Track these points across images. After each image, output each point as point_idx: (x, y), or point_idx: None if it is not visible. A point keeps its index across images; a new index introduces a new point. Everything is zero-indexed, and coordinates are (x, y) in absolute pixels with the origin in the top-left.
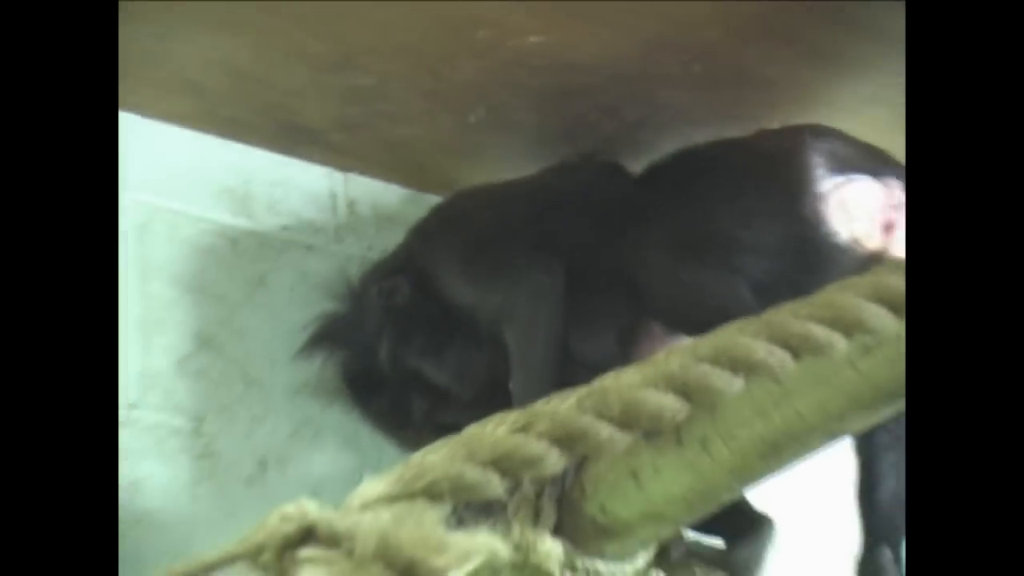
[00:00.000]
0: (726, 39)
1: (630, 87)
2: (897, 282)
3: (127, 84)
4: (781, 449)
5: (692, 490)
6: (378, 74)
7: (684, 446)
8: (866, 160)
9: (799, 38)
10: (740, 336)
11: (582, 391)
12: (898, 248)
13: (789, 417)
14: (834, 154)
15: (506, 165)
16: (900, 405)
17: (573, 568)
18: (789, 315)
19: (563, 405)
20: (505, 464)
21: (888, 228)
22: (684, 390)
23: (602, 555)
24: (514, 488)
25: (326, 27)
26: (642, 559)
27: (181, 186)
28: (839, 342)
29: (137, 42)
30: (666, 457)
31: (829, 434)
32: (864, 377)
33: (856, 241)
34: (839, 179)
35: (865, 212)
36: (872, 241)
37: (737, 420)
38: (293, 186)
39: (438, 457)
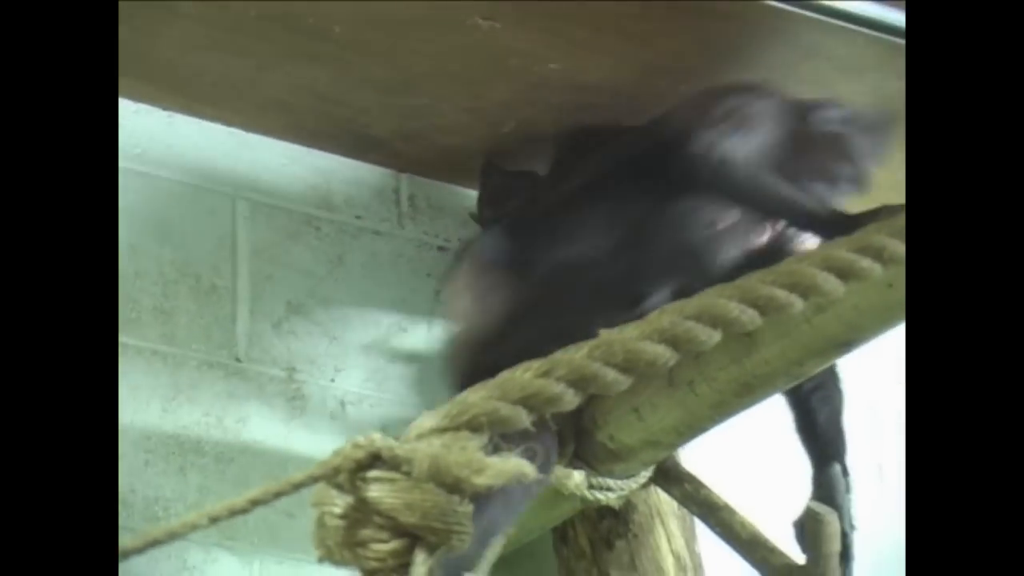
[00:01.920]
0: (708, 64)
1: (629, 103)
2: (843, 253)
3: (233, 105)
4: (752, 389)
5: (682, 422)
6: (430, 95)
7: (675, 387)
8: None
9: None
10: (718, 298)
11: (592, 343)
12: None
13: (758, 363)
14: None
15: (530, 164)
16: (845, 352)
17: (590, 486)
18: (757, 281)
19: (577, 354)
20: (531, 402)
21: None
22: (673, 341)
23: (612, 474)
24: (539, 421)
25: (390, 58)
26: (643, 476)
27: (277, 186)
28: (797, 302)
29: (240, 71)
30: (661, 396)
31: (790, 376)
32: (817, 330)
33: None
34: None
35: None
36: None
37: (717, 366)
38: (364, 184)
39: (477, 396)
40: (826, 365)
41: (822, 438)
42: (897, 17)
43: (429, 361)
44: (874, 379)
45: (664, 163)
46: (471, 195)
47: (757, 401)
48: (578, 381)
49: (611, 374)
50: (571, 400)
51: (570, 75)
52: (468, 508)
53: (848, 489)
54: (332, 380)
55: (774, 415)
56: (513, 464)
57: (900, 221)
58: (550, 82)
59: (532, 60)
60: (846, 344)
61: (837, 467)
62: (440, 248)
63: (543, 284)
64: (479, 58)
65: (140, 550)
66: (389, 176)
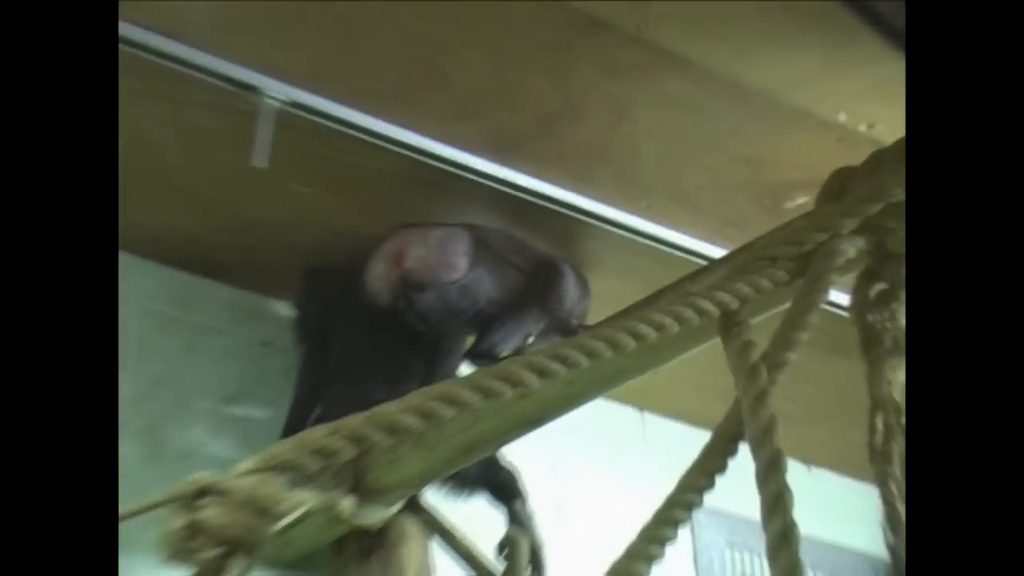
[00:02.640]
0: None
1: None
2: (540, 359)
3: None
4: (474, 449)
5: (424, 471)
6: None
7: (421, 446)
8: None
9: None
10: (453, 387)
11: (366, 414)
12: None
13: (479, 433)
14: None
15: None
16: (537, 426)
17: (357, 513)
18: (481, 375)
19: (355, 420)
20: (321, 453)
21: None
22: (422, 414)
23: (374, 505)
24: (328, 467)
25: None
26: (396, 507)
27: None
28: (508, 390)
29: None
30: (411, 452)
31: (500, 442)
32: (520, 411)
33: None
34: None
35: None
36: None
37: (451, 432)
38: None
39: (283, 448)
40: (525, 433)
41: (507, 485)
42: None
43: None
44: (554, 440)
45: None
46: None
47: (476, 458)
48: (354, 439)
49: (378, 435)
50: (349, 452)
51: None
52: (272, 526)
53: (531, 518)
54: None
55: None
56: (306, 495)
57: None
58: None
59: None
60: (538, 421)
61: (520, 502)
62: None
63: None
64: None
65: None
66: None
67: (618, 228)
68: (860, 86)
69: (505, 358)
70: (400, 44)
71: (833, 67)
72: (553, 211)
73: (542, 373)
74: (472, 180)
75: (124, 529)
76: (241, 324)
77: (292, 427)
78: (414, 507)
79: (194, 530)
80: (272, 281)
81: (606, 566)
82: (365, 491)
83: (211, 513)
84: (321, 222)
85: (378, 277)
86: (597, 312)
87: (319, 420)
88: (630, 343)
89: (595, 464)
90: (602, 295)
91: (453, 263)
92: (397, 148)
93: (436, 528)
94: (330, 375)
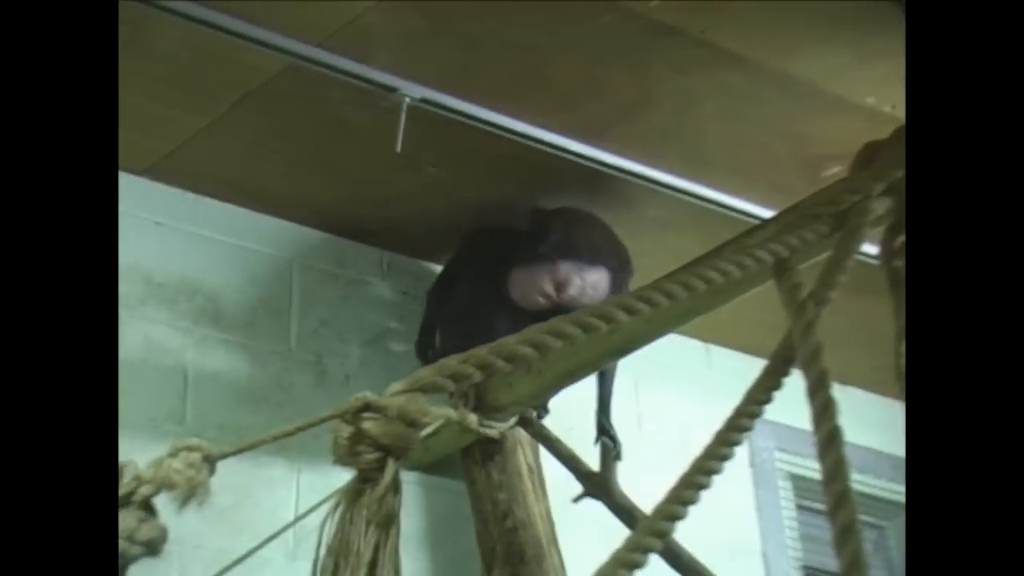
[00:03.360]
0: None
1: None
2: (629, 301)
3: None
4: (572, 374)
5: (534, 391)
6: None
7: (531, 372)
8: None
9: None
10: (560, 323)
11: (490, 346)
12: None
13: (577, 360)
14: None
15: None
16: (621, 355)
17: (482, 425)
18: (585, 314)
19: (482, 351)
20: (455, 376)
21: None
22: (535, 345)
23: (494, 419)
24: (460, 388)
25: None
26: (512, 421)
27: None
28: (602, 326)
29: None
30: (523, 377)
31: (593, 367)
32: (608, 343)
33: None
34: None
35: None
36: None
37: (554, 360)
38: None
39: (426, 372)
40: (614, 361)
41: (603, 399)
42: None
43: None
44: (636, 367)
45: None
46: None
47: (574, 382)
48: (482, 366)
49: (499, 363)
50: (477, 376)
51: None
52: (419, 435)
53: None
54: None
55: None
56: (445, 410)
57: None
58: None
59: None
60: (624, 351)
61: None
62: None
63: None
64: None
65: (231, 454)
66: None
67: (686, 195)
68: (884, 74)
69: None
70: (508, 51)
71: (861, 59)
72: (632, 183)
73: (630, 311)
74: (566, 159)
75: (300, 439)
76: (385, 278)
77: (421, 347)
78: (525, 421)
79: (357, 438)
80: (410, 243)
81: (684, 465)
82: (487, 408)
83: (371, 425)
84: (446, 195)
85: (536, 291)
86: (670, 265)
87: (441, 345)
88: (700, 286)
89: (669, 387)
90: (673, 251)
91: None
92: (507, 135)
93: (543, 437)
94: (451, 313)
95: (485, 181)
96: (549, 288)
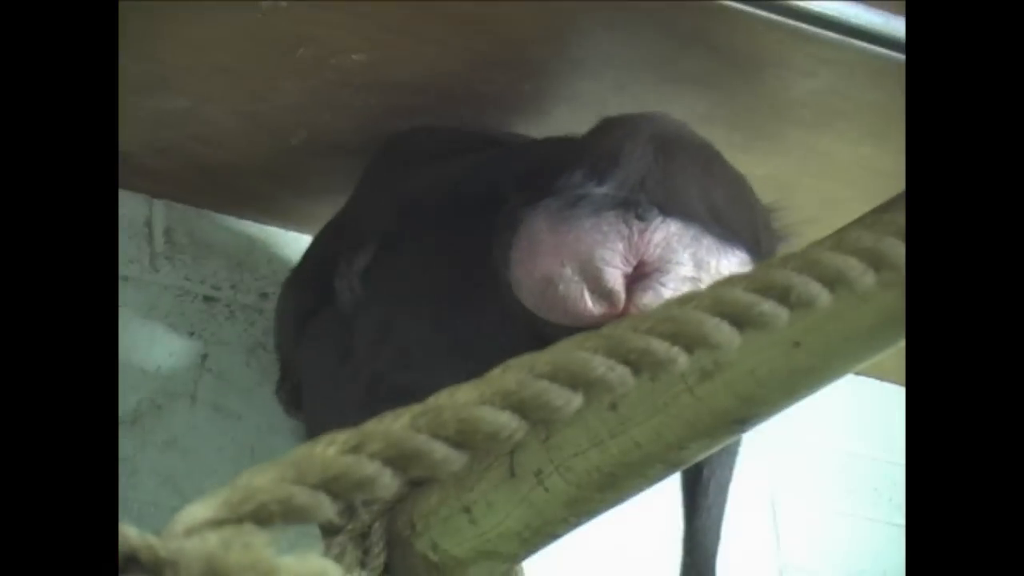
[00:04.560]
0: (557, 58)
1: (457, 106)
2: (739, 295)
3: None
4: (618, 481)
5: (527, 525)
6: (192, 95)
7: (518, 478)
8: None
9: (631, 54)
10: (578, 351)
11: (416, 409)
12: (651, 304)
13: (626, 446)
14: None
15: (331, 188)
16: (739, 431)
17: None
18: (628, 329)
19: (396, 423)
20: (336, 486)
21: (635, 279)
22: (521, 407)
23: None
24: (346, 510)
25: (138, 45)
26: None
27: None
28: (680, 357)
29: None
30: (499, 490)
31: (668, 464)
32: (702, 402)
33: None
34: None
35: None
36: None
37: (573, 450)
38: None
39: (267, 478)
40: (714, 449)
41: (696, 542)
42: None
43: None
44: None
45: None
46: (247, 227)
47: (625, 497)
48: (397, 459)
49: (440, 449)
50: (388, 484)
51: (378, 69)
52: None
53: None
54: None
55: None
56: (314, 566)
57: (810, 252)
58: (352, 79)
59: (329, 50)
60: (740, 421)
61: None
62: (207, 298)
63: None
64: (258, 47)
65: None
66: (138, 203)
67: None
68: None
69: None
70: None
71: None
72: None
73: (743, 319)
74: None
75: None
76: (165, 263)
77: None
78: None
79: None
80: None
81: None
82: (415, 569)
83: None
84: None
85: (589, 282)
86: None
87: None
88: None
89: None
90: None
91: None
92: None
93: None
94: (369, 328)
95: (389, 29)
96: (618, 281)
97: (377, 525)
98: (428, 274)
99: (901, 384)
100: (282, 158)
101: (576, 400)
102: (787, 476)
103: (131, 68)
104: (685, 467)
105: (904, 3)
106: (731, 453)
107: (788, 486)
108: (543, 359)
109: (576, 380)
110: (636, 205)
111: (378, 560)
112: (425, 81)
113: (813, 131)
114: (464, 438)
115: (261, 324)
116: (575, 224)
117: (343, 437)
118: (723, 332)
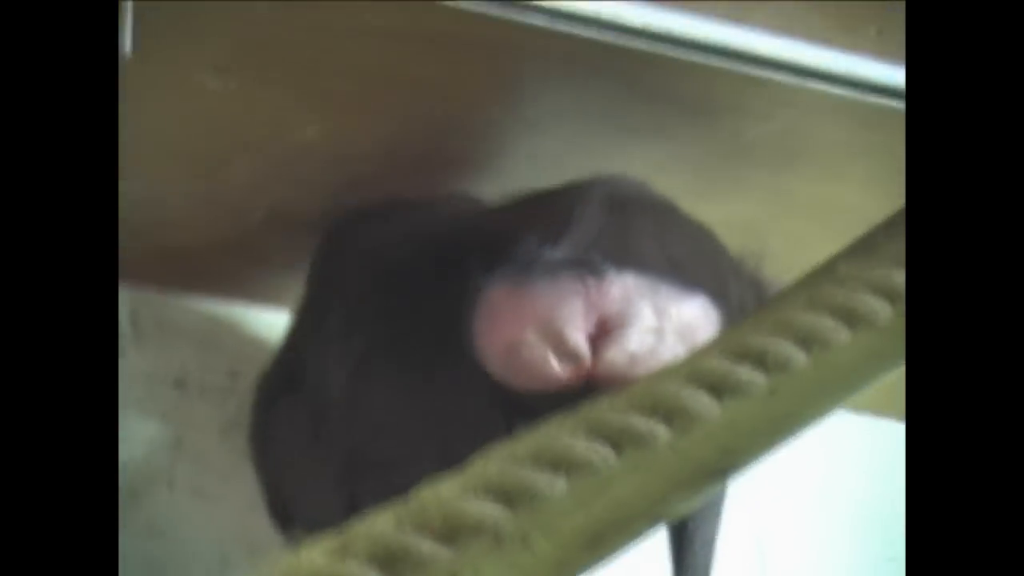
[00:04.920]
0: (512, 118)
1: (418, 173)
2: (715, 364)
3: None
4: (604, 539)
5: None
6: (148, 180)
7: (504, 545)
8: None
9: (583, 110)
10: (559, 434)
11: (399, 507)
12: (617, 358)
13: (610, 506)
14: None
15: (295, 261)
16: (719, 480)
17: None
18: (607, 408)
19: (380, 522)
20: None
21: (598, 335)
22: (506, 496)
23: None
24: None
25: None
26: None
27: None
28: (660, 430)
29: None
30: (487, 558)
31: (652, 518)
32: (683, 457)
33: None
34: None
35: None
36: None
37: (558, 513)
38: None
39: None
40: (697, 501)
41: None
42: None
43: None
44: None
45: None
46: (210, 308)
47: (612, 553)
48: (384, 559)
49: (427, 546)
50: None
51: (334, 142)
52: None
53: None
54: None
55: None
56: None
57: (783, 312)
58: (309, 153)
59: (281, 127)
60: (720, 472)
61: None
62: (177, 381)
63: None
64: (208, 128)
65: None
66: None
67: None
68: None
69: None
70: None
71: None
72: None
73: (720, 387)
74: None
75: None
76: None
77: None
78: None
79: None
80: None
81: None
82: None
83: None
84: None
85: (554, 345)
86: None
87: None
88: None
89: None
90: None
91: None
92: None
93: None
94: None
95: (342, 101)
96: (581, 340)
97: None
98: (399, 351)
99: (891, 417)
100: (243, 236)
101: (560, 483)
102: (773, 516)
103: None
104: (669, 520)
105: (862, 39)
106: (716, 505)
107: (774, 527)
108: (524, 445)
109: (559, 463)
110: (590, 263)
111: None
112: (383, 150)
113: (773, 172)
114: (450, 532)
115: (233, 403)
116: (531, 288)
117: (327, 542)
118: (701, 402)
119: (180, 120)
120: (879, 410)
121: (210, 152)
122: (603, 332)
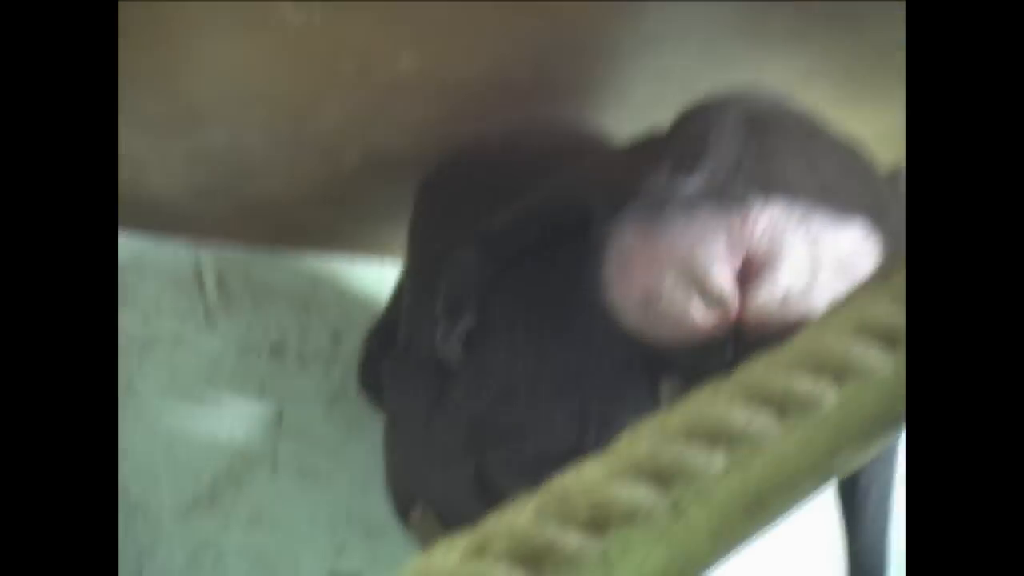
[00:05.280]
0: (632, 37)
1: (524, 103)
2: (887, 311)
3: None
4: (766, 502)
5: (671, 562)
6: (230, 128)
7: (654, 514)
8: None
9: (714, 21)
10: (713, 402)
11: (541, 496)
12: (768, 300)
13: (772, 463)
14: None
15: (393, 209)
16: (892, 434)
17: None
18: (766, 369)
19: (520, 516)
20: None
21: (745, 275)
22: (658, 477)
23: None
24: None
25: (162, 85)
26: None
27: None
28: (828, 392)
29: None
30: (636, 529)
31: (820, 475)
32: (851, 411)
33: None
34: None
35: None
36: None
37: (712, 478)
38: (147, 268)
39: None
40: (867, 456)
41: (862, 568)
42: None
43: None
44: None
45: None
46: (305, 263)
47: (774, 518)
48: (528, 557)
49: (574, 539)
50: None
51: (431, 73)
52: None
53: None
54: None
55: None
56: None
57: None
58: (403, 87)
59: (372, 59)
60: (892, 421)
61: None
62: (274, 350)
63: None
64: (294, 67)
65: None
66: (185, 253)
67: None
68: None
69: None
70: None
71: None
72: None
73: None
74: None
75: None
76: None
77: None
78: None
79: None
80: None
81: None
82: None
83: None
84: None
85: (696, 286)
86: None
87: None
88: None
89: None
90: None
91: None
92: None
93: None
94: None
95: (438, 28)
96: (727, 280)
97: None
98: (524, 309)
99: None
100: (336, 184)
101: (718, 459)
102: None
103: (157, 109)
104: (839, 477)
105: None
106: (890, 455)
107: None
108: (674, 418)
109: (716, 436)
110: (731, 193)
111: None
112: (484, 80)
113: None
114: (599, 522)
115: (337, 371)
116: (667, 227)
117: (464, 541)
118: (874, 357)
119: (261, 60)
120: None
121: (296, 93)
122: (750, 271)
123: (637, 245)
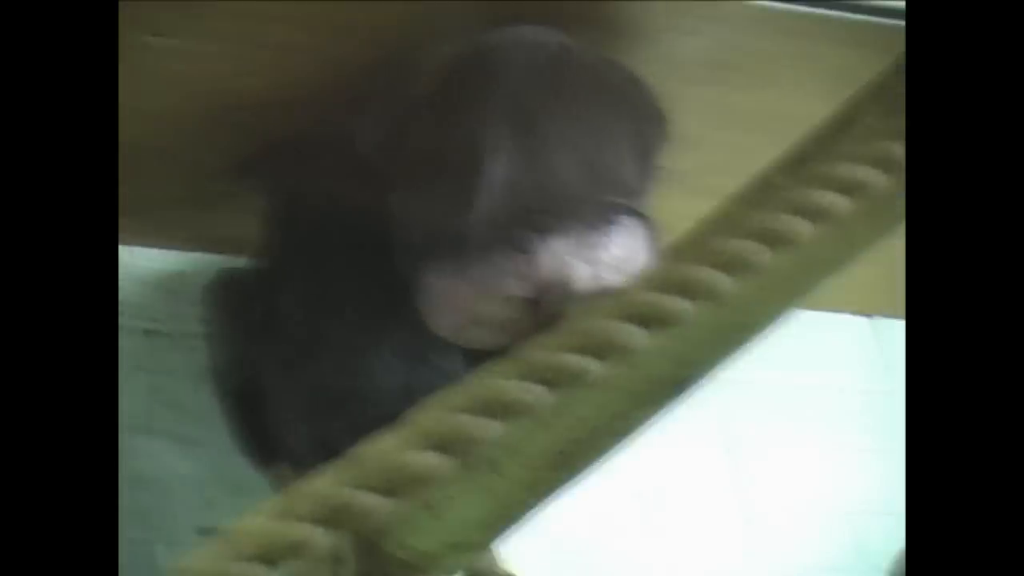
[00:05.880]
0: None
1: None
2: (642, 297)
3: None
4: (571, 457)
5: (490, 512)
6: None
7: (473, 469)
8: None
9: None
10: (492, 378)
11: (340, 464)
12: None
13: (572, 424)
14: None
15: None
16: (680, 394)
17: None
18: (539, 349)
19: (322, 481)
20: (272, 554)
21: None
22: (443, 445)
23: None
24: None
25: None
26: None
27: None
28: (592, 366)
29: None
30: (457, 483)
31: (615, 434)
32: (640, 371)
33: None
34: None
35: None
36: None
37: (520, 434)
38: None
39: (205, 561)
40: (657, 414)
41: None
42: None
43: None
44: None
45: None
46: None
47: (580, 472)
48: (329, 516)
49: (370, 500)
50: (321, 542)
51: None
52: None
53: None
54: None
55: None
56: None
57: (706, 240)
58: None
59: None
60: (679, 384)
61: None
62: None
63: None
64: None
65: None
66: None
67: None
68: None
69: None
70: None
71: None
72: None
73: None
74: None
75: None
76: None
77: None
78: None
79: None
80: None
81: None
82: (390, 569)
83: None
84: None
85: (488, 338)
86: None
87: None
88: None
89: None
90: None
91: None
92: None
93: None
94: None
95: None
96: (524, 311)
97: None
98: (351, 285)
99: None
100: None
101: (495, 426)
102: (742, 423)
103: None
104: (632, 435)
105: None
106: None
107: (743, 433)
108: (459, 394)
109: (494, 408)
110: (516, 224)
111: (349, 569)
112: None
113: (709, 86)
114: (392, 485)
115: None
116: (467, 276)
117: (270, 504)
118: (632, 335)
119: None
120: (841, 308)
121: None
122: (541, 294)
123: (445, 291)
